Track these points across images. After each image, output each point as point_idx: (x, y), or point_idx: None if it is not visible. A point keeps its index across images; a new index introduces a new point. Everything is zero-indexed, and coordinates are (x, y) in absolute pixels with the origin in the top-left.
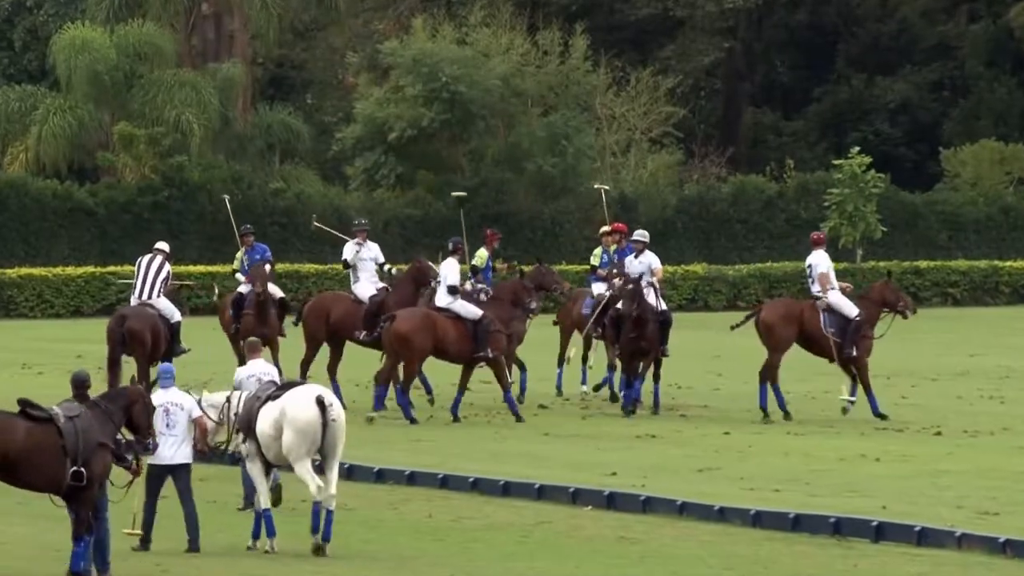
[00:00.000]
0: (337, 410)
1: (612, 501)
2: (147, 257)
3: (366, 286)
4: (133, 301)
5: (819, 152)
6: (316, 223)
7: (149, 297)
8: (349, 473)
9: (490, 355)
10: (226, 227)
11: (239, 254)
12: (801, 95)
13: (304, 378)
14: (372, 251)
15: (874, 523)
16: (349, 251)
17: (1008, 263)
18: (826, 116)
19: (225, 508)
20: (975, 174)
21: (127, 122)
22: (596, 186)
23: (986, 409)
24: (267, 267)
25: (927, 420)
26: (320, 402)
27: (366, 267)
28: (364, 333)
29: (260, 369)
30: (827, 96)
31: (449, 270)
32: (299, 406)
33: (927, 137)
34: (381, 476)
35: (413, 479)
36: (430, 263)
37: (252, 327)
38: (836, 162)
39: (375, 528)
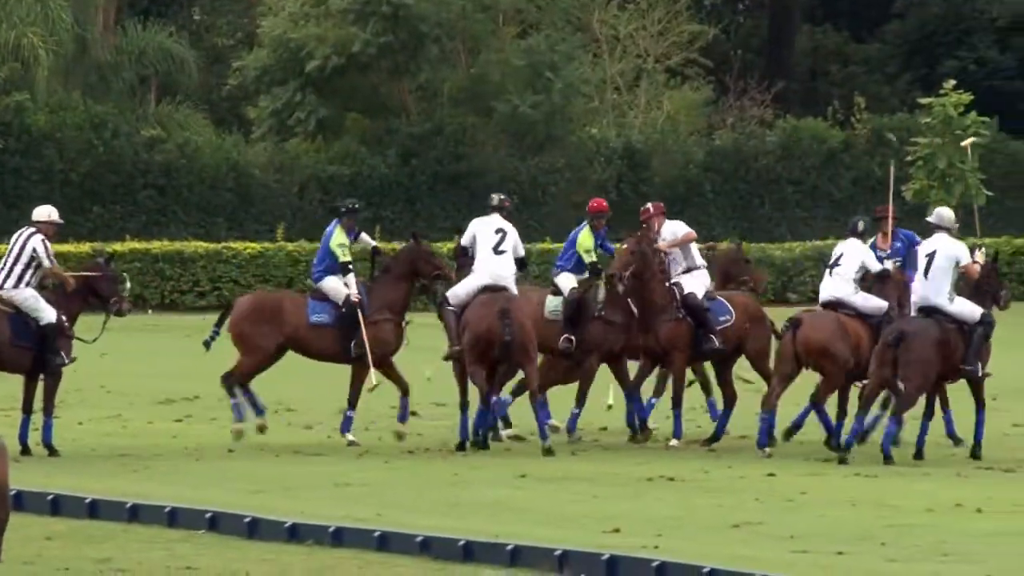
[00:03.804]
0: None
1: (614, 568)
2: (17, 232)
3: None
4: None
5: (901, 87)
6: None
7: (3, 286)
8: (252, 529)
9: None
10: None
11: (342, 238)
12: (877, 9)
13: None
14: None
15: None
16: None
17: None
18: (911, 37)
19: None
20: None
21: None
22: None
23: None
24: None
25: None
26: None
27: None
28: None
29: None
30: (913, 10)
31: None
32: None
33: None
34: (296, 533)
35: (340, 537)
36: None
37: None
38: (924, 101)
39: None
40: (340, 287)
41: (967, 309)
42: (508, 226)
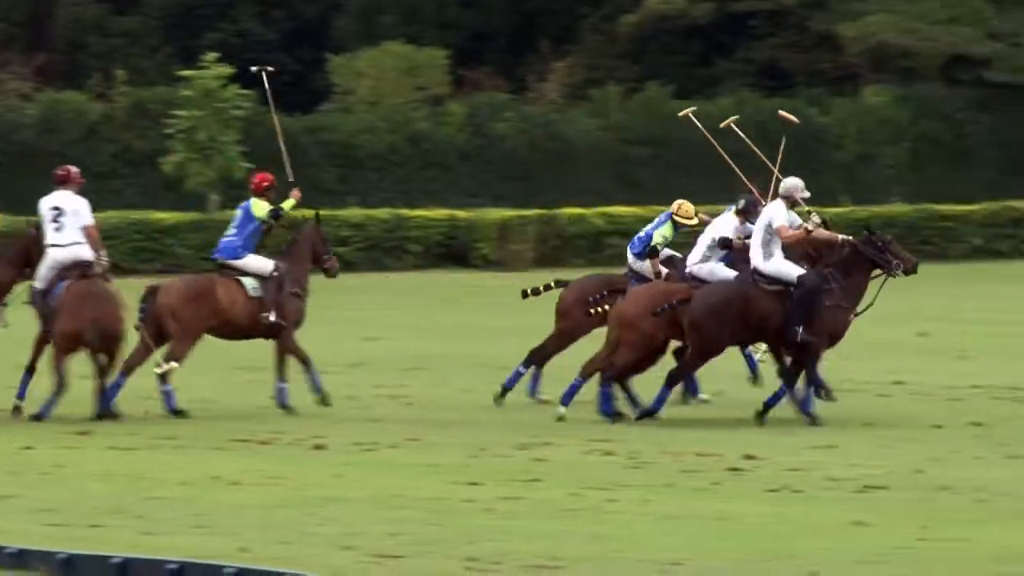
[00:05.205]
0: None
1: None
2: None
3: None
4: None
5: (161, 59)
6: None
7: None
8: None
9: None
10: None
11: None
12: None
13: None
14: None
15: (231, 571)
16: None
17: (419, 212)
18: (173, 11)
19: None
20: (375, 90)
21: None
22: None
23: (389, 414)
24: None
25: (302, 429)
26: None
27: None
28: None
29: None
30: None
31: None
32: None
33: (312, 40)
34: None
35: None
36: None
37: None
38: (184, 73)
39: None
40: None
41: (782, 269)
42: None
